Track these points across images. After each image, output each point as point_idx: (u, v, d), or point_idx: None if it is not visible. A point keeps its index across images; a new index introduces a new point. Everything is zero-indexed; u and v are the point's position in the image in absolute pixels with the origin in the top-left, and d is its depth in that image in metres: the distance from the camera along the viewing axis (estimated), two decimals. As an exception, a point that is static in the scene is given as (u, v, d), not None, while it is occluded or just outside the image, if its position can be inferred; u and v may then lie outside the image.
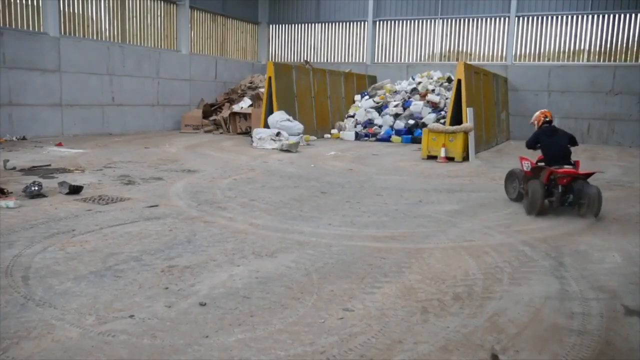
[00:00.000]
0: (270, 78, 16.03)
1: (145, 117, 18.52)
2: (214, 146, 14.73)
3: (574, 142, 7.45)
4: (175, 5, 20.06)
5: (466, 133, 12.92)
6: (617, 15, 19.09)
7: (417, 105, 18.08)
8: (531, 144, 7.62)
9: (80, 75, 15.94)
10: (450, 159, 12.72)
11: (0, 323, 3.46)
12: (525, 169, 7.54)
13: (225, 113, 19.36)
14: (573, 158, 7.41)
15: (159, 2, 19.36)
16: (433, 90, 19.00)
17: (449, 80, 19.26)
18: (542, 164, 7.31)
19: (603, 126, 19.17)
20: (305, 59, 23.91)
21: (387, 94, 19.87)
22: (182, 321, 3.57)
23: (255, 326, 3.53)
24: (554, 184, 7.00)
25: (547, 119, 7.60)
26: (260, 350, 3.20)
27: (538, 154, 7.68)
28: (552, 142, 7.32)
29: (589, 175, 7.16)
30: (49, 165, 10.07)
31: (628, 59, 19.08)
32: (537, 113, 7.79)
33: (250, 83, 21.41)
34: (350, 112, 19.79)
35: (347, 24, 23.33)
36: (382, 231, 6.11)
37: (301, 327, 3.54)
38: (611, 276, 4.76)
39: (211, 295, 4.04)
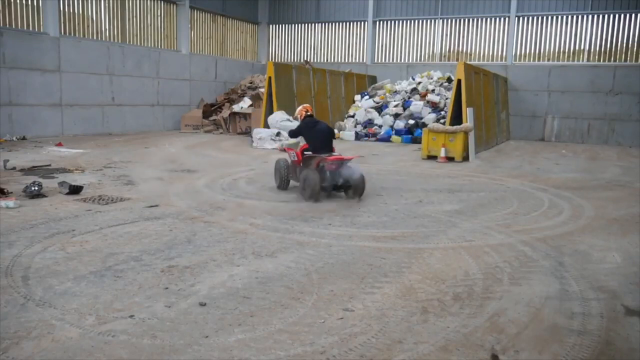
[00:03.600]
0: (270, 78, 16.03)
1: (145, 117, 18.52)
2: (213, 146, 14.73)
3: (333, 134, 8.28)
4: (175, 5, 20.06)
5: (466, 133, 12.92)
6: (617, 15, 19.10)
7: (417, 105, 18.09)
8: (295, 134, 8.31)
9: (80, 75, 15.94)
10: (450, 159, 12.72)
11: (0, 323, 3.46)
12: (292, 158, 8.19)
13: (225, 113, 19.37)
14: None
15: (159, 2, 19.36)
16: (433, 90, 19.01)
17: (449, 80, 19.27)
18: (309, 153, 7.92)
19: (603, 126, 19.18)
20: (305, 59, 23.92)
21: (387, 94, 19.88)
22: (182, 321, 3.57)
23: (255, 326, 3.53)
24: (323, 171, 7.59)
25: (309, 113, 8.30)
26: (260, 350, 3.20)
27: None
28: (316, 132, 7.97)
29: (351, 159, 7.98)
30: (49, 165, 10.07)
31: (628, 59, 19.08)
32: (300, 108, 8.48)
33: (250, 83, 21.42)
34: (350, 112, 19.79)
35: (347, 24, 23.34)
36: (382, 231, 6.11)
37: (301, 327, 3.53)
38: (611, 276, 4.76)
39: (211, 295, 4.04)
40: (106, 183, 8.54)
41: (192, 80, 20.57)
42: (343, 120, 19.39)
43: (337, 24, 23.57)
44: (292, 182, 8.41)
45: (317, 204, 7.41)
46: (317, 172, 7.51)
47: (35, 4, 15.00)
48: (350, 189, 7.80)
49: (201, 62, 21.05)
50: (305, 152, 8.12)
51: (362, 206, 7.40)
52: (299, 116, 8.44)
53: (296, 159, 8.12)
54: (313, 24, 24.08)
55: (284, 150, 8.51)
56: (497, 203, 7.92)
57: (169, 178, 9.18)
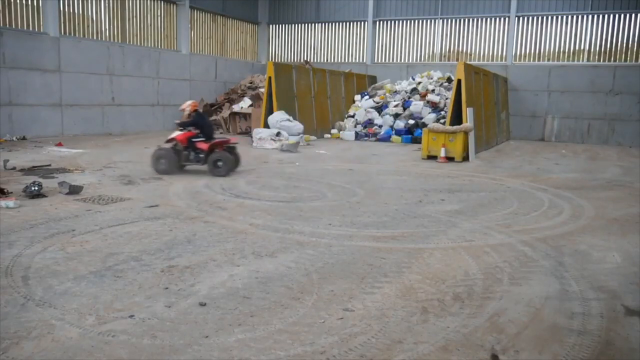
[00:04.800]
0: (270, 78, 16.03)
1: (145, 117, 18.51)
2: (214, 146, 14.71)
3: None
4: (175, 5, 20.05)
5: (466, 133, 12.92)
6: (617, 15, 19.09)
7: (417, 105, 18.09)
8: (187, 125, 9.68)
9: (80, 75, 15.94)
10: (450, 159, 12.72)
11: (0, 323, 3.46)
12: (178, 147, 9.59)
13: (225, 113, 19.37)
14: None
15: (159, 2, 19.35)
16: (433, 90, 19.01)
17: (449, 80, 19.27)
18: (198, 139, 9.54)
19: (603, 126, 19.18)
20: (305, 59, 23.91)
21: (387, 94, 19.88)
22: (182, 321, 3.57)
23: (255, 326, 3.53)
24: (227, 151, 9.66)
25: (196, 108, 9.92)
26: (260, 350, 3.20)
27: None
28: (207, 123, 9.89)
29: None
30: (49, 165, 10.07)
31: (628, 59, 19.08)
32: (189, 102, 9.93)
33: (250, 83, 21.41)
34: (350, 112, 19.79)
35: (347, 24, 23.34)
36: (382, 231, 6.11)
37: (301, 327, 3.53)
38: (611, 276, 4.76)
39: (211, 295, 4.04)
40: (106, 183, 8.54)
41: (192, 80, 20.56)
42: (343, 120, 19.39)
43: (337, 24, 23.56)
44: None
45: (313, 203, 7.41)
46: (228, 153, 9.59)
47: (35, 4, 15.00)
48: (239, 164, 10.03)
49: (201, 62, 21.04)
50: (194, 140, 9.55)
51: (362, 206, 7.41)
52: (188, 109, 9.76)
53: (182, 146, 9.60)
54: (313, 24, 24.08)
55: (170, 140, 9.84)
56: (497, 203, 7.92)
57: (169, 178, 9.18)
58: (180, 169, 9.69)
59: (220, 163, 9.43)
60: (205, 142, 9.51)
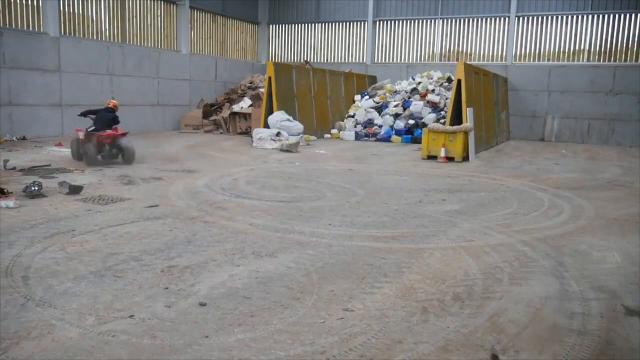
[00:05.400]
0: (270, 78, 16.03)
1: (145, 117, 18.51)
2: (214, 146, 14.73)
3: (115, 122, 10.69)
4: (175, 5, 20.06)
5: (466, 133, 12.93)
6: (617, 15, 19.10)
7: (417, 105, 18.09)
8: (86, 114, 10.71)
9: (80, 75, 15.94)
10: (450, 159, 12.72)
11: (0, 323, 3.46)
12: (81, 137, 10.41)
13: (225, 113, 19.37)
14: None
15: (159, 2, 19.35)
16: (433, 90, 19.01)
17: (449, 80, 19.27)
18: (93, 128, 10.42)
19: (603, 126, 19.18)
20: (305, 59, 23.92)
21: (387, 94, 19.88)
22: (182, 321, 3.57)
23: (255, 326, 3.53)
24: (102, 143, 10.33)
25: (109, 106, 10.82)
26: (260, 350, 3.20)
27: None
28: (103, 117, 10.56)
29: (124, 134, 10.57)
30: (49, 165, 10.07)
31: (628, 59, 19.08)
32: (110, 100, 11.21)
33: (250, 83, 21.42)
34: (350, 112, 19.79)
35: (347, 24, 23.34)
36: (382, 231, 6.11)
37: (301, 327, 3.53)
38: (611, 276, 4.76)
39: (211, 295, 4.04)
40: (106, 183, 8.54)
41: (192, 80, 20.56)
42: (343, 120, 19.39)
43: (337, 24, 23.56)
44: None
45: (313, 203, 7.42)
46: (97, 144, 10.21)
47: (35, 4, 15.00)
48: (124, 155, 10.52)
49: (201, 62, 21.04)
50: (89, 132, 10.36)
51: (362, 206, 7.41)
52: (111, 104, 10.90)
53: (82, 137, 10.37)
54: (313, 24, 24.08)
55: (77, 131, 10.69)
56: (497, 203, 7.91)
57: (169, 178, 9.19)
58: (95, 158, 10.53)
59: (114, 152, 10.45)
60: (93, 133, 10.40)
